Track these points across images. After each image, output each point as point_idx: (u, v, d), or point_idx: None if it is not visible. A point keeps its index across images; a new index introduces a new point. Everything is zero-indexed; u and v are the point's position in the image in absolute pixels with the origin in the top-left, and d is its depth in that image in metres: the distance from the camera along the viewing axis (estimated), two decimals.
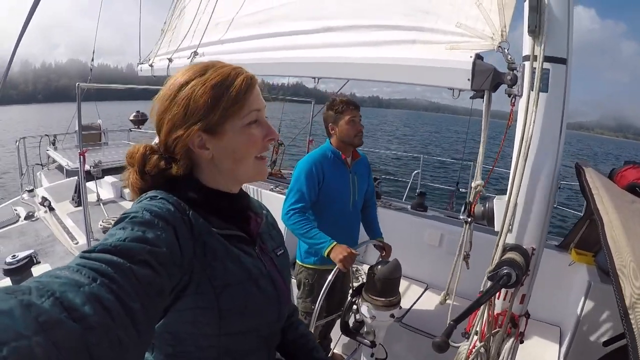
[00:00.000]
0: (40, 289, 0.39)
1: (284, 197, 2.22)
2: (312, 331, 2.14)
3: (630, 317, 0.65)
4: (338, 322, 1.97)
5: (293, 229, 2.14)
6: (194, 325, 0.73)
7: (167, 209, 0.69)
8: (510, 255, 1.26)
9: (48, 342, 0.35)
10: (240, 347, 0.81)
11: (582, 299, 2.00)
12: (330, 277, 1.92)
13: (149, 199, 0.72)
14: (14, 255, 2.39)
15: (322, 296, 1.91)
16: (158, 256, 0.58)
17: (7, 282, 2.67)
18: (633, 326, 0.63)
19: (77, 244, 3.75)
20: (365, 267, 2.98)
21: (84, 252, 0.52)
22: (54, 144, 8.27)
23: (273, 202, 2.99)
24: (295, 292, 2.53)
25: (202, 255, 0.72)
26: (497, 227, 1.36)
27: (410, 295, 2.91)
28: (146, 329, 0.50)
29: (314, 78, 2.28)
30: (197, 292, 0.71)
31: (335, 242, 2.01)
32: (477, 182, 1.45)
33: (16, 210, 4.87)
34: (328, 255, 1.99)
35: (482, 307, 1.35)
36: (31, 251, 2.46)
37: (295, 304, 2.47)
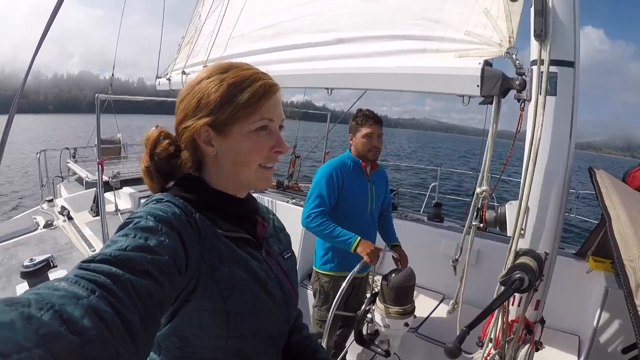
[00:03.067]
0: (39, 302, 0.39)
1: (302, 209, 2.24)
2: (327, 339, 2.13)
3: (638, 308, 0.64)
4: (353, 332, 1.96)
5: (316, 231, 2.16)
6: (201, 328, 0.73)
7: (172, 212, 0.69)
8: (523, 259, 1.25)
9: (48, 354, 0.35)
10: (248, 349, 0.80)
11: (600, 306, 1.95)
12: (344, 284, 1.92)
13: (155, 201, 0.73)
14: (31, 259, 2.45)
15: (337, 301, 1.91)
16: (160, 265, 0.58)
17: (24, 284, 2.75)
18: None
19: (94, 251, 3.82)
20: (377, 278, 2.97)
21: (83, 262, 0.52)
22: (74, 156, 8.48)
23: (291, 214, 3.02)
24: (310, 300, 2.53)
25: (209, 258, 0.72)
26: (509, 232, 1.35)
27: (426, 305, 2.88)
28: (144, 342, 0.50)
29: (327, 89, 2.31)
30: (205, 295, 0.71)
31: (360, 237, 2.05)
32: (482, 187, 1.45)
33: (35, 219, 4.99)
34: (355, 250, 2.02)
35: (496, 314, 1.34)
36: (48, 255, 2.52)
37: (311, 312, 2.47)
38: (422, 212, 5.31)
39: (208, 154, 0.81)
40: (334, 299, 1.95)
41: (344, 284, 1.92)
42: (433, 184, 7.01)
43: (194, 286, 0.70)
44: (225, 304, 0.73)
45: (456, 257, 1.58)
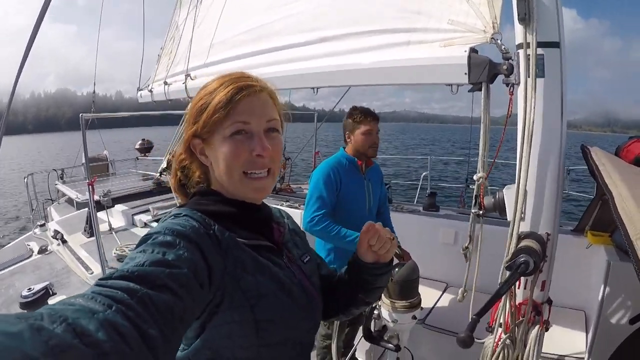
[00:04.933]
0: (52, 315, 0.39)
1: (297, 211, 2.23)
2: (337, 339, 2.13)
3: None
4: (361, 329, 1.96)
5: (321, 234, 2.16)
6: (231, 340, 0.73)
7: (190, 226, 0.68)
8: (525, 243, 1.26)
9: None
10: (279, 357, 0.80)
11: (604, 279, 1.97)
12: None
13: (172, 217, 0.72)
14: (29, 288, 2.40)
15: None
16: (179, 278, 0.57)
17: None
18: None
19: (92, 273, 3.76)
20: None
21: (101, 279, 0.52)
22: (62, 177, 8.35)
23: None
24: None
25: (233, 268, 0.71)
26: (509, 217, 1.36)
27: (430, 295, 2.88)
28: (165, 356, 0.48)
29: (314, 89, 2.30)
30: (232, 306, 0.70)
31: None
32: (479, 174, 1.46)
33: (29, 245, 4.91)
34: None
35: (503, 298, 1.34)
36: (47, 283, 2.47)
37: None
38: (416, 202, 5.33)
39: (207, 164, 0.83)
40: None
41: None
42: (424, 174, 7.03)
43: (220, 298, 0.69)
44: (253, 313, 0.72)
45: (466, 244, 1.59)
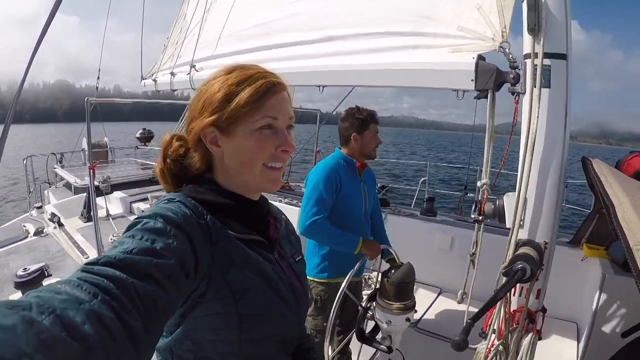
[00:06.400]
0: (40, 305, 0.39)
1: (294, 208, 2.21)
2: (329, 348, 2.11)
3: None
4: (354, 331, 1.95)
5: (318, 238, 2.15)
6: (214, 332, 0.73)
7: (182, 213, 0.68)
8: (523, 250, 1.27)
9: None
10: (261, 353, 0.80)
11: (597, 292, 1.99)
12: (344, 283, 1.89)
13: (166, 201, 0.72)
14: (25, 269, 2.39)
15: (334, 311, 1.87)
16: (166, 269, 0.57)
17: (18, 295, 2.68)
18: None
19: (87, 258, 3.77)
20: (374, 275, 2.97)
21: (87, 264, 0.52)
22: (61, 162, 8.35)
23: (285, 213, 2.96)
24: None
25: (220, 260, 0.71)
26: (508, 224, 1.37)
27: (424, 300, 2.90)
28: (146, 348, 0.49)
29: (319, 87, 2.30)
30: (217, 297, 0.70)
31: (361, 237, 2.11)
32: (483, 180, 1.47)
33: (25, 226, 4.91)
34: (359, 250, 2.08)
35: (498, 304, 1.35)
36: (42, 264, 2.47)
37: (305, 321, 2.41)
38: (413, 207, 5.35)
39: (215, 154, 0.81)
40: (330, 308, 1.91)
41: (343, 284, 1.90)
42: (423, 179, 7.04)
43: (204, 288, 0.69)
44: (237, 307, 0.72)
45: (472, 250, 1.60)
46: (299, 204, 3.20)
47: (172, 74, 3.54)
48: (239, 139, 0.78)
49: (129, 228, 0.63)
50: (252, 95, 0.76)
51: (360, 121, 2.26)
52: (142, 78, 4.33)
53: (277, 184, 0.85)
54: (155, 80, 3.99)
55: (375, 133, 2.27)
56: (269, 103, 0.78)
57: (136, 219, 0.65)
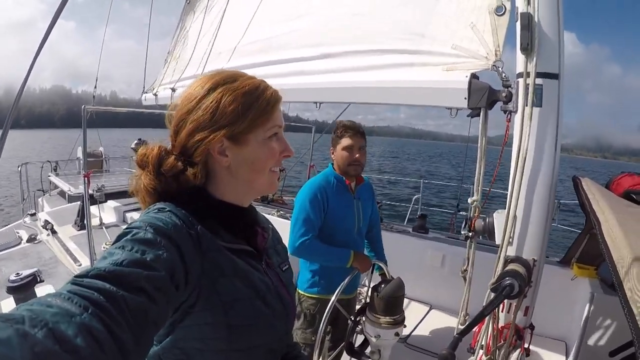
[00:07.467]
0: (33, 319, 0.39)
1: (287, 222, 2.19)
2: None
3: (627, 292, 0.67)
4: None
5: (311, 259, 2.12)
6: (203, 342, 0.72)
7: (173, 223, 0.67)
8: (512, 266, 1.28)
9: None
10: None
11: (586, 310, 2.00)
12: (333, 297, 1.88)
13: (156, 210, 0.71)
14: (17, 274, 2.36)
15: (323, 323, 1.86)
16: (156, 281, 0.56)
17: (10, 300, 2.67)
18: (636, 317, 0.65)
19: (80, 265, 3.74)
20: (365, 290, 2.96)
21: (77, 276, 0.51)
22: (55, 170, 8.32)
23: (277, 226, 2.95)
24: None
25: (210, 271, 0.71)
26: (497, 240, 1.38)
27: (414, 316, 2.89)
28: (137, 359, 0.50)
29: (316, 103, 2.33)
30: (206, 307, 0.70)
31: (352, 251, 2.07)
32: (473, 197, 1.49)
33: (18, 233, 4.86)
34: (351, 264, 2.04)
35: (486, 321, 1.36)
36: (35, 269, 2.44)
37: (294, 335, 2.39)
38: (406, 223, 5.36)
39: (220, 164, 0.80)
40: (319, 322, 1.88)
41: (333, 297, 1.89)
42: (416, 196, 7.07)
43: (195, 299, 0.68)
44: (227, 317, 0.72)
45: (464, 267, 1.60)
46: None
47: (173, 89, 3.58)
48: (251, 148, 0.79)
49: (119, 238, 0.62)
50: (267, 105, 0.79)
51: (335, 134, 2.15)
52: (143, 92, 4.37)
53: (276, 185, 0.89)
54: (155, 95, 4.03)
55: (348, 147, 2.07)
56: (276, 112, 0.81)
57: (126, 228, 0.64)
